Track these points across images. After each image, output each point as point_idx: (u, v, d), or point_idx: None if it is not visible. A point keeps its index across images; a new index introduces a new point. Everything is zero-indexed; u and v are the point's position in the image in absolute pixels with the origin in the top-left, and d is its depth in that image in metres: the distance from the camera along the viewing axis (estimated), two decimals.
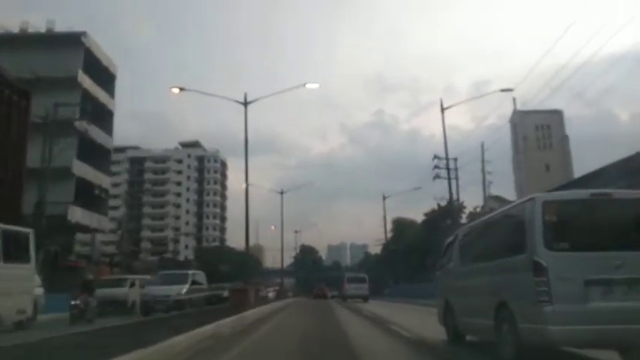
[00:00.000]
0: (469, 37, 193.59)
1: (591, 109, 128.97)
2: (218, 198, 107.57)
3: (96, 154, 38.80)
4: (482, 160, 38.66)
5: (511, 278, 6.06)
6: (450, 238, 9.16)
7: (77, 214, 35.75)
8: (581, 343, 5.68)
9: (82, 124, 33.96)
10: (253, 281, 35.25)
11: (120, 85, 47.57)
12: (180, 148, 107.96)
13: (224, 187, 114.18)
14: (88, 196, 37.19)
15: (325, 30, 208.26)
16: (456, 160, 34.91)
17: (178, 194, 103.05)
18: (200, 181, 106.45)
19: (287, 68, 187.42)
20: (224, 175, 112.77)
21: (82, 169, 36.72)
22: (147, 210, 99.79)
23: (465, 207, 46.85)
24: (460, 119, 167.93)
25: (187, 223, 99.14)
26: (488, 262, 7.02)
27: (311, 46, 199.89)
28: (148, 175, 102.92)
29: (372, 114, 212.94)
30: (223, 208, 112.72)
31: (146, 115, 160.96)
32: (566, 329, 5.28)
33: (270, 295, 43.15)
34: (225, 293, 23.58)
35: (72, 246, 38.60)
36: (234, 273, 57.68)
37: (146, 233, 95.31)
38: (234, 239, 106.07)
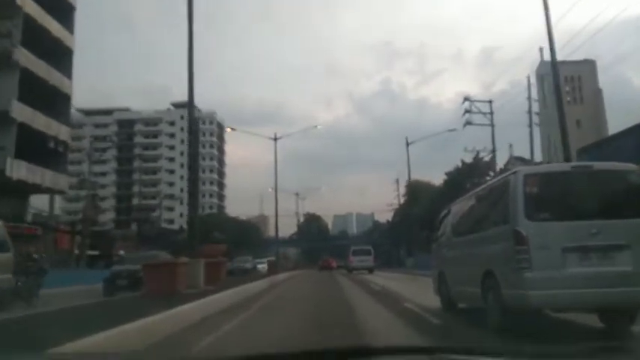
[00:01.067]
0: (478, 1, 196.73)
1: (607, 75, 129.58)
2: (215, 163, 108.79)
3: (48, 99, 34.57)
4: (529, 98, 34.31)
5: (496, 248, 6.97)
6: (444, 212, 10.29)
7: (22, 170, 31.95)
8: (559, 306, 6.59)
9: (19, 53, 30.68)
10: (213, 248, 33.80)
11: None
12: (172, 108, 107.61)
13: (221, 151, 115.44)
14: (40, 149, 33.49)
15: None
16: (490, 103, 33.04)
17: (171, 159, 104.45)
18: (195, 145, 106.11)
19: (290, 38, 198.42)
20: (221, 139, 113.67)
21: (26, 114, 32.38)
22: (138, 176, 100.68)
23: (494, 163, 42.74)
24: (469, 86, 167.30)
25: (182, 190, 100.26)
26: (476, 234, 7.99)
27: (313, 12, 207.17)
28: (138, 139, 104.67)
29: (379, 82, 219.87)
30: (221, 174, 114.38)
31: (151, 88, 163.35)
32: (545, 294, 6.14)
33: (260, 267, 41.03)
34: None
35: (24, 210, 34.83)
36: (232, 243, 59.03)
37: (136, 201, 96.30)
38: (235, 208, 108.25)
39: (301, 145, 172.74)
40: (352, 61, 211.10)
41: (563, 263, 6.16)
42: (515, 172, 6.82)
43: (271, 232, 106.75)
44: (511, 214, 6.57)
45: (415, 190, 64.07)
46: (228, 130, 61.15)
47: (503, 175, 7.46)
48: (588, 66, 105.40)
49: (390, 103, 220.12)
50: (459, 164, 43.89)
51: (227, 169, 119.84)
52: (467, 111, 32.92)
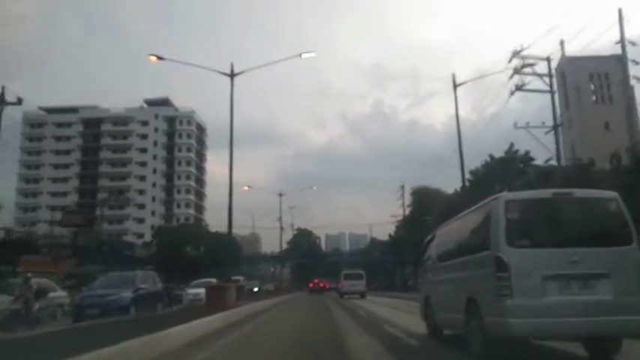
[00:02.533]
0: (467, 24, 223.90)
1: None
2: (192, 169, 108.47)
3: None
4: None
5: (478, 274, 7.68)
6: (429, 237, 11.25)
7: None
8: (540, 335, 7.32)
9: None
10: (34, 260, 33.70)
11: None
12: (145, 106, 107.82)
13: (201, 156, 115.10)
14: None
15: (322, 19, 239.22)
16: (548, 60, 28.76)
17: (143, 164, 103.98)
18: (170, 148, 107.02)
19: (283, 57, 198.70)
20: (201, 142, 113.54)
21: None
22: (104, 182, 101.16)
23: (532, 158, 37.36)
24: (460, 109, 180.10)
25: (154, 199, 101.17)
26: (458, 259, 8.79)
27: (307, 36, 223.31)
28: (105, 140, 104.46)
29: (371, 104, 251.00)
30: (200, 181, 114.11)
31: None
32: (526, 322, 6.79)
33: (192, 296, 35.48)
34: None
35: None
36: (208, 259, 57.87)
37: (103, 210, 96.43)
38: (217, 223, 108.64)
39: (292, 164, 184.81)
40: (344, 82, 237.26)
41: (544, 291, 6.85)
42: (496, 198, 7.56)
43: (265, 248, 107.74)
44: (492, 240, 7.28)
45: (423, 198, 62.92)
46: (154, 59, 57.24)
47: (485, 200, 8.13)
48: (617, 61, 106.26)
49: (382, 124, 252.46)
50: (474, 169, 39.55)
51: (218, 184, 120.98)
52: (516, 71, 28.42)
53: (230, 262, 64.46)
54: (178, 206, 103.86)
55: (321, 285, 67.17)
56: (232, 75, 25.05)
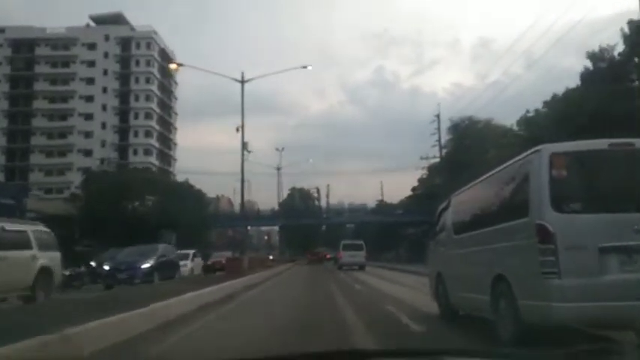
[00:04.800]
0: None
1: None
2: (153, 105, 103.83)
3: None
4: None
5: (510, 247, 7.44)
6: (443, 205, 11.28)
7: None
8: (594, 322, 7.01)
9: None
10: None
11: None
12: (92, 25, 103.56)
13: (165, 89, 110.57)
14: None
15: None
16: None
17: (89, 98, 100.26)
18: (125, 78, 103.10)
19: (283, 24, 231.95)
20: (166, 73, 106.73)
21: None
22: (40, 122, 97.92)
23: None
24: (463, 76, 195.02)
25: (103, 145, 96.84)
26: (484, 229, 8.59)
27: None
28: (41, 68, 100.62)
29: (373, 71, 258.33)
30: (166, 124, 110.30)
31: None
32: (576, 307, 6.47)
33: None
34: None
35: None
36: (163, 218, 54.57)
37: (38, 158, 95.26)
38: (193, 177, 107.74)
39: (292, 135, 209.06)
40: (346, 49, 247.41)
41: (600, 268, 6.54)
42: (537, 151, 7.16)
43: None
44: (533, 205, 6.94)
45: (466, 135, 57.89)
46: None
47: (521, 155, 7.80)
48: None
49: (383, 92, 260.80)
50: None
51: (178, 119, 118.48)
52: None
53: (195, 223, 60.09)
54: (135, 153, 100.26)
55: (321, 255, 75.73)
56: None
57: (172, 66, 30.80)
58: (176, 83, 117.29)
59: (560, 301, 6.49)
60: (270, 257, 60.93)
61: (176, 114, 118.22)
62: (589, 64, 38.87)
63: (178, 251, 33.31)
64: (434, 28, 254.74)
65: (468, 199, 9.99)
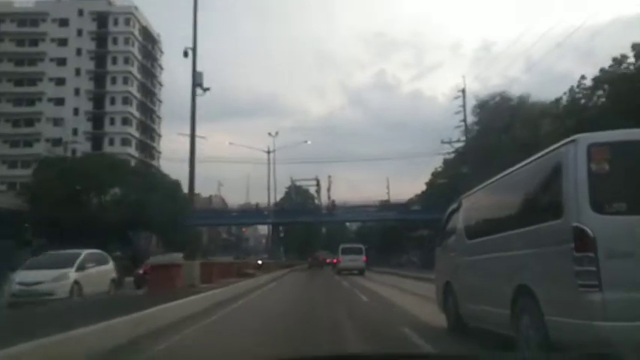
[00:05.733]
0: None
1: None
2: (133, 90, 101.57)
3: None
4: None
5: (537, 253, 7.11)
6: (453, 206, 11.32)
7: None
8: None
9: None
10: None
11: None
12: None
13: (148, 73, 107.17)
14: None
15: None
16: None
17: (60, 80, 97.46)
18: (101, 58, 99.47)
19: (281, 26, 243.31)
20: (148, 55, 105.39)
21: None
22: (5, 108, 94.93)
23: None
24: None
25: (75, 133, 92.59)
26: (503, 233, 8.28)
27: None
28: (5, 47, 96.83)
29: (374, 74, 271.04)
30: (146, 110, 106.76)
31: None
32: (621, 327, 5.98)
33: None
34: None
35: None
36: (128, 213, 51.69)
37: (2, 148, 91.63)
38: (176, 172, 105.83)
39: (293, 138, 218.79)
40: (346, 51, 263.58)
41: None
42: (572, 141, 6.78)
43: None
44: (567, 204, 6.55)
45: (496, 114, 50.81)
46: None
47: (553, 146, 7.41)
48: None
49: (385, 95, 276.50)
50: None
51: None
52: None
53: (167, 221, 54.17)
54: (111, 143, 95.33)
55: (321, 258, 78.60)
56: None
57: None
58: (161, 68, 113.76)
59: (604, 320, 6.08)
60: (259, 262, 54.47)
61: (160, 101, 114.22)
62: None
63: (56, 252, 25.40)
64: (435, 32, 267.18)
65: (485, 198, 9.87)
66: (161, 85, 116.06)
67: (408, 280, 37.03)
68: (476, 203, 10.18)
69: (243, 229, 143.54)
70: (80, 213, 50.03)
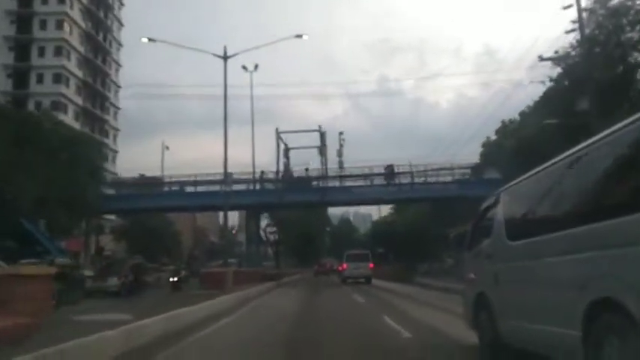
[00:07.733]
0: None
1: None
2: (69, 38, 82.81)
3: None
4: None
5: (624, 256, 5.60)
6: (488, 202, 10.24)
7: None
8: None
9: None
10: None
11: None
12: None
13: (93, 15, 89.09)
14: None
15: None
16: None
17: None
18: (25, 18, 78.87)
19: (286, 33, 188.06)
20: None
21: None
22: None
23: None
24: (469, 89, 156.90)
25: None
26: (567, 231, 6.81)
27: (309, 9, 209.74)
28: None
29: (376, 80, 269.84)
30: (93, 68, 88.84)
31: None
32: None
33: None
34: None
35: None
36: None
37: None
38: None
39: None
40: (349, 57, 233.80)
41: None
42: None
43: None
44: None
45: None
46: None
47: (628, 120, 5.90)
48: None
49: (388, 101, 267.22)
50: None
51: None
52: None
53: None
54: (38, 106, 75.18)
55: (328, 266, 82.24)
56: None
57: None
58: (120, 22, 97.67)
59: None
60: (232, 269, 41.80)
61: (119, 64, 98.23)
62: None
63: None
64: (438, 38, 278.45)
65: (537, 188, 8.04)
66: (120, 44, 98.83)
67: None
68: (524, 195, 8.50)
69: (234, 232, 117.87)
70: None
